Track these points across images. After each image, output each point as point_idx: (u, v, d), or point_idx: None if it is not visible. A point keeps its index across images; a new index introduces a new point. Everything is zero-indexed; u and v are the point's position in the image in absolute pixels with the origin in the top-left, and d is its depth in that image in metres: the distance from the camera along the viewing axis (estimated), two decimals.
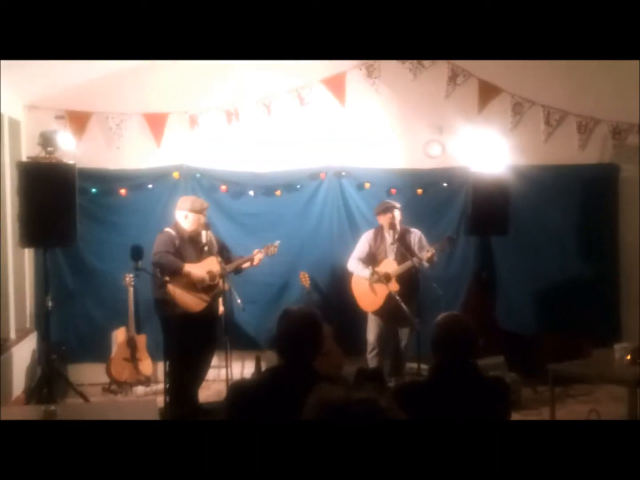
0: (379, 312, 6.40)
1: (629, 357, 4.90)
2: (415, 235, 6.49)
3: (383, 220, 6.43)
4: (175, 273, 5.65)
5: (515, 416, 4.76)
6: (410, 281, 6.28)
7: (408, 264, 6.22)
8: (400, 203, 6.59)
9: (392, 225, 6.36)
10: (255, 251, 6.02)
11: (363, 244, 6.53)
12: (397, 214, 6.42)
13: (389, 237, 6.42)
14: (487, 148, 7.07)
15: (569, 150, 7.63)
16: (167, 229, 5.83)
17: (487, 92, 7.46)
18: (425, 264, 6.25)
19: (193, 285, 5.70)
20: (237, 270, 5.98)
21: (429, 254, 6.17)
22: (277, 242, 6.15)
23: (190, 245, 5.81)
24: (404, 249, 6.30)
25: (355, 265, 6.47)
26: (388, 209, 6.43)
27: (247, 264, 5.99)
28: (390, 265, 6.32)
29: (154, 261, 5.65)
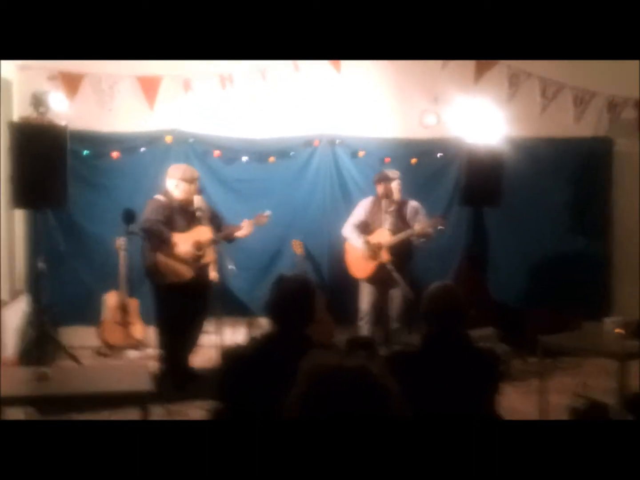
0: (369, 280, 6.42)
1: (617, 330, 4.94)
2: (413, 207, 6.47)
3: (379, 189, 6.43)
4: (164, 242, 5.64)
5: (505, 387, 4.81)
6: (402, 252, 6.27)
7: (401, 235, 6.22)
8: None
9: (386, 195, 6.35)
10: (245, 221, 5.96)
11: (359, 210, 6.53)
12: (394, 184, 6.39)
13: (385, 206, 6.42)
14: (482, 119, 7.04)
15: (564, 123, 7.61)
16: (158, 196, 5.80)
17: (484, 63, 7.40)
18: (421, 238, 6.26)
19: (181, 254, 5.69)
20: (229, 239, 5.97)
21: (419, 228, 6.17)
22: (267, 212, 6.07)
23: (180, 214, 5.78)
24: (399, 220, 6.30)
25: (349, 232, 6.48)
26: (383, 179, 6.41)
27: (237, 234, 5.96)
28: (383, 234, 6.31)
29: (144, 227, 5.63)
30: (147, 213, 5.68)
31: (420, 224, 6.22)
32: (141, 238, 5.68)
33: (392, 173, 6.48)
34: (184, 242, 5.69)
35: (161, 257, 5.65)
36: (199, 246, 5.73)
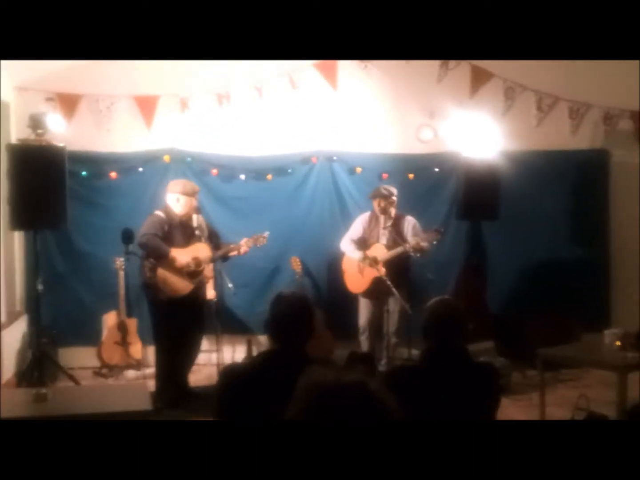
0: (365, 294, 6.45)
1: (618, 342, 4.94)
2: (409, 222, 6.51)
3: (375, 204, 6.46)
4: (161, 257, 5.64)
5: (505, 401, 4.80)
6: (399, 266, 6.30)
7: (398, 250, 6.25)
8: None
9: (382, 211, 6.39)
10: (244, 240, 5.99)
11: (357, 225, 6.59)
12: (390, 200, 6.43)
13: (382, 221, 6.45)
14: (478, 133, 7.07)
15: (560, 136, 7.63)
16: (158, 212, 5.80)
17: (479, 77, 7.45)
18: (417, 253, 6.27)
19: (179, 270, 5.69)
20: (224, 258, 5.97)
21: (414, 243, 6.20)
22: (266, 233, 6.08)
23: (179, 230, 5.79)
24: (396, 235, 6.32)
25: (347, 246, 6.51)
26: (378, 195, 6.46)
27: (234, 253, 5.97)
28: (379, 249, 6.34)
29: (141, 242, 5.64)
30: (145, 228, 5.69)
31: (416, 239, 6.25)
32: (139, 255, 5.68)
33: (389, 189, 6.51)
34: (182, 258, 5.70)
35: (159, 272, 5.65)
36: (197, 262, 5.74)
